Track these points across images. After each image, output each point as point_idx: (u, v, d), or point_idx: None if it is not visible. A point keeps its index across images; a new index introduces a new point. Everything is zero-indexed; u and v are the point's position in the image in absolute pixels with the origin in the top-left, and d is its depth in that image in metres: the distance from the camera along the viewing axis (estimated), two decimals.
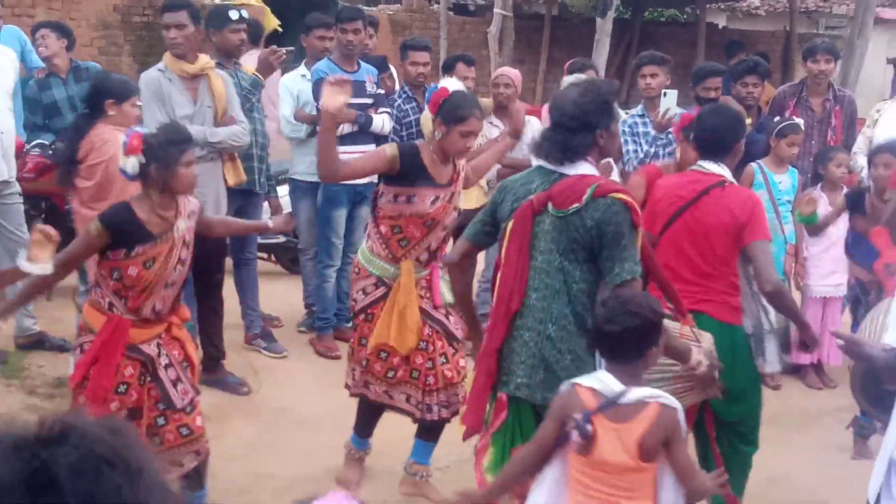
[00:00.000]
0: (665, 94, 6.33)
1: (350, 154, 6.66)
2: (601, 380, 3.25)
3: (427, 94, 4.81)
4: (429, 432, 4.98)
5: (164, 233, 4.21)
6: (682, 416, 3.23)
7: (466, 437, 3.95)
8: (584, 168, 3.69)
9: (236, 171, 6.09)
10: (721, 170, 4.42)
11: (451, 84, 4.80)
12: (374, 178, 6.78)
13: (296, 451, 5.47)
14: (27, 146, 7.07)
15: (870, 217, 6.06)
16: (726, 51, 12.22)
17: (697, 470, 3.31)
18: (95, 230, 4.14)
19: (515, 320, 3.73)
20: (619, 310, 3.26)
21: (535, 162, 3.82)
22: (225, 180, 6.06)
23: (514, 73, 7.17)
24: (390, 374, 4.85)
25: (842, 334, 3.39)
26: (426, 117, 6.96)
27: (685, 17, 18.03)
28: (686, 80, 7.83)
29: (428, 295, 4.84)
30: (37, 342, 6.58)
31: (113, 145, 5.05)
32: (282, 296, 7.86)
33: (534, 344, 3.66)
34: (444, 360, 4.86)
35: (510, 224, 3.73)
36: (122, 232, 4.13)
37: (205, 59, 5.89)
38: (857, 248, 6.25)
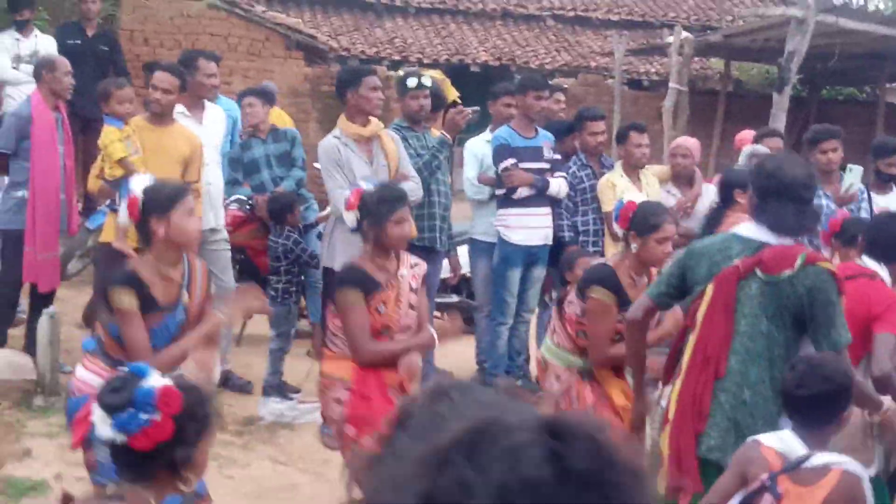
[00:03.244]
0: (851, 169, 6.36)
1: (526, 216, 6.97)
2: (784, 440, 3.29)
3: (615, 212, 4.90)
4: None
5: (389, 280, 4.53)
6: (866, 485, 3.23)
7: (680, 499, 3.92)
8: (789, 238, 3.82)
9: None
10: (879, 268, 4.47)
11: (636, 197, 5.01)
12: (549, 241, 7.07)
13: None
14: (227, 201, 7.58)
15: None
16: None
17: None
18: (352, 294, 4.46)
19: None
20: (811, 374, 3.31)
21: (739, 230, 3.94)
22: None
23: (692, 143, 7.30)
24: None
25: None
26: (603, 184, 7.15)
27: (864, 95, 17.73)
28: (863, 158, 7.79)
29: None
30: (222, 381, 6.98)
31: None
32: (455, 353, 8.08)
33: (729, 407, 3.71)
34: None
35: (711, 288, 3.81)
36: (365, 284, 4.47)
37: (376, 122, 6.25)
38: None
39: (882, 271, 4.46)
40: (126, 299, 3.94)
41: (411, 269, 4.65)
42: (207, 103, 7.03)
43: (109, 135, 6.23)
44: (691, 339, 3.88)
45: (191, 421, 2.67)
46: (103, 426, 2.64)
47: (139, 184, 4.18)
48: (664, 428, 4.01)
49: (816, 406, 3.30)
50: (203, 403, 2.75)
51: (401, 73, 14.00)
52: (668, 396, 4.03)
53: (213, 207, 6.77)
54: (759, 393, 3.71)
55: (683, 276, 3.96)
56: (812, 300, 3.66)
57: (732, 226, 5.02)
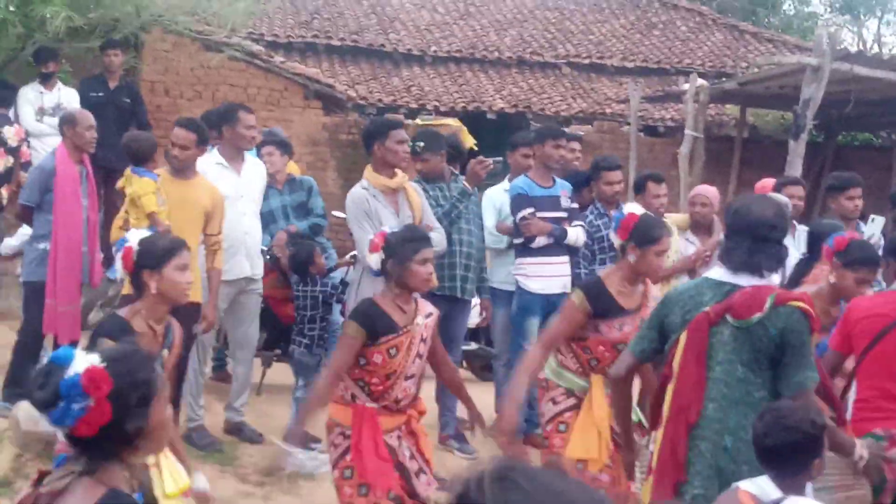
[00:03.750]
0: (874, 219, 6.41)
1: (544, 265, 7.00)
2: (760, 486, 3.33)
3: (615, 222, 5.00)
4: None
5: (407, 325, 4.56)
6: None
7: None
8: (774, 277, 3.83)
9: None
10: None
11: (636, 209, 5.01)
12: (567, 289, 7.09)
13: None
14: None
15: None
16: None
17: None
18: (353, 331, 4.51)
19: (691, 430, 3.79)
20: (778, 425, 3.34)
21: (711, 274, 3.96)
22: None
23: (711, 192, 7.34)
24: None
25: None
26: None
27: (879, 141, 17.75)
28: (880, 204, 7.82)
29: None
30: (235, 430, 7.03)
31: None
32: (474, 402, 8.08)
33: (710, 455, 3.72)
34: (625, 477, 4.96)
35: (684, 335, 3.82)
36: (373, 323, 4.51)
37: (402, 174, 6.32)
38: None
39: None
40: None
41: (426, 318, 4.70)
42: (247, 155, 7.10)
43: (145, 186, 6.31)
44: (670, 389, 3.89)
45: (130, 392, 2.48)
46: (42, 423, 2.50)
47: (136, 235, 4.19)
48: (647, 477, 4.03)
49: (786, 455, 3.32)
50: (139, 368, 2.54)
51: (418, 121, 14.16)
52: (655, 442, 4.05)
53: (249, 257, 6.89)
54: (740, 439, 3.70)
55: (662, 326, 3.97)
56: (784, 341, 3.66)
57: (819, 278, 5.08)
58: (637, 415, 4.96)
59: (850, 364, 4.64)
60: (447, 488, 1.28)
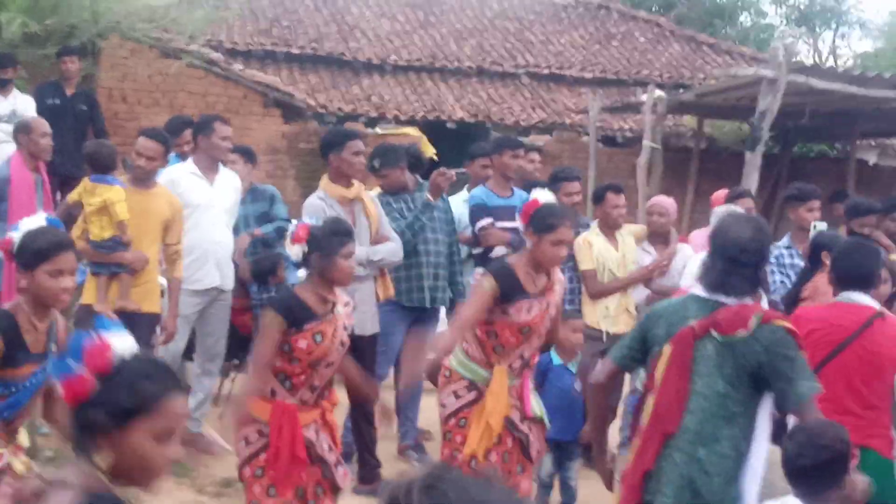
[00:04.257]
0: (815, 226, 6.46)
1: None
2: None
3: (520, 208, 5.04)
4: None
5: (327, 313, 4.55)
6: None
7: None
8: (747, 298, 3.87)
9: (385, 287, 6.46)
10: (872, 301, 4.50)
11: (543, 196, 5.02)
12: None
13: None
14: None
15: None
16: None
17: None
18: (271, 320, 4.48)
19: (667, 440, 3.81)
20: (811, 444, 3.35)
21: (696, 290, 3.99)
22: (377, 296, 6.42)
23: (668, 202, 7.39)
24: None
25: None
26: (580, 243, 7.22)
27: (835, 152, 17.98)
28: (834, 214, 7.92)
29: (518, 404, 4.97)
30: (192, 441, 6.95)
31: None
32: (433, 411, 8.08)
33: (683, 465, 3.73)
34: (518, 473, 4.98)
35: (668, 349, 3.85)
36: (293, 314, 4.48)
37: (358, 184, 6.33)
38: None
39: (874, 302, 4.49)
40: None
41: (345, 307, 4.69)
42: (222, 167, 7.06)
43: (118, 193, 6.25)
44: (650, 400, 3.92)
45: (118, 389, 2.30)
46: None
47: (27, 224, 3.92)
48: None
49: (818, 474, 3.35)
50: (146, 381, 2.33)
51: (378, 130, 14.16)
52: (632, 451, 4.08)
53: (219, 267, 6.85)
54: (714, 451, 3.73)
55: (644, 339, 4.00)
56: (770, 358, 3.69)
57: (819, 287, 5.10)
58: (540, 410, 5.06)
59: None
60: (378, 494, 1.29)
